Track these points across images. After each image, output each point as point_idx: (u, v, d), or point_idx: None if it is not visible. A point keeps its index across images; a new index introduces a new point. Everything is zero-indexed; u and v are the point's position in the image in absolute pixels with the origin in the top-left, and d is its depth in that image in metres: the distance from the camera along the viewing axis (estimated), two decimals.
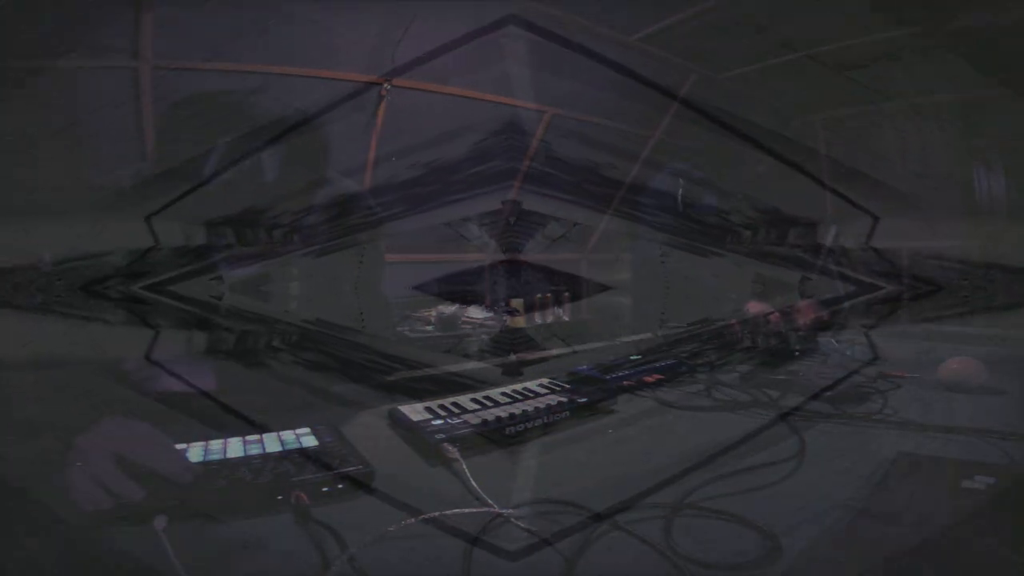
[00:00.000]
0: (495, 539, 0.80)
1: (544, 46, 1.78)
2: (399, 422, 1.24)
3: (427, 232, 2.07)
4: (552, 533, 0.81)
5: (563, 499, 0.89)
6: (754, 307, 1.95)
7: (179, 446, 1.01)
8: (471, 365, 1.82)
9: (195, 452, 1.00)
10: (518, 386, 1.46)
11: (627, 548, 0.77)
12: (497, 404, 1.31)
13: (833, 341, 1.78)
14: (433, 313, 2.14)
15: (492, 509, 0.86)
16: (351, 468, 0.94)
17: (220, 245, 1.42)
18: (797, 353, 1.75)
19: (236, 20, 1.44)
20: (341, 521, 0.82)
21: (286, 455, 1.00)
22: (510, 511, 0.85)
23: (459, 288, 2.22)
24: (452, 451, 1.03)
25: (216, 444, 1.04)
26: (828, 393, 1.40)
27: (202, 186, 1.37)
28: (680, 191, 2.18)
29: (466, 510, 0.85)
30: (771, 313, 1.91)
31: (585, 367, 1.64)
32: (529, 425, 1.20)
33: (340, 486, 0.92)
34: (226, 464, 0.96)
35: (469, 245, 2.22)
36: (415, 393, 1.44)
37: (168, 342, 1.30)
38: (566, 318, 2.30)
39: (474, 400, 1.35)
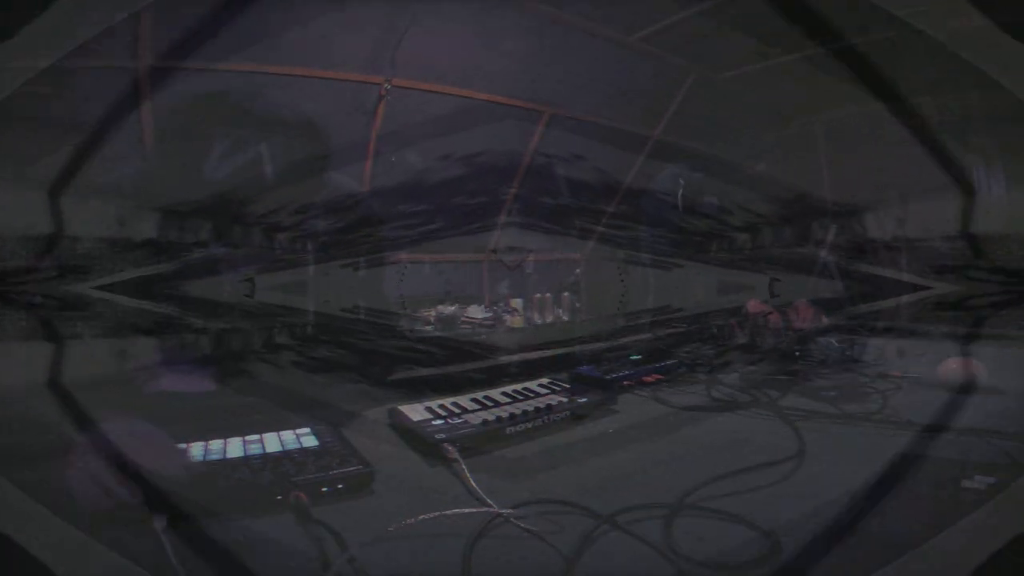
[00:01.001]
0: (495, 539, 0.80)
1: (544, 44, 1.78)
2: (399, 422, 1.24)
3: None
4: (552, 533, 0.81)
5: (563, 499, 0.90)
6: (754, 307, 1.95)
7: (179, 446, 1.02)
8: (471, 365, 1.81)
9: (195, 452, 1.00)
10: (518, 386, 1.46)
11: (627, 548, 0.77)
12: (497, 404, 1.31)
13: (833, 341, 1.78)
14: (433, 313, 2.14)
15: (492, 509, 0.86)
16: (351, 468, 0.94)
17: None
18: (797, 353, 1.75)
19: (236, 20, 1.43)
20: (341, 521, 0.82)
21: (286, 455, 1.00)
22: (510, 511, 0.85)
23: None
24: (452, 451, 1.03)
25: (216, 444, 1.04)
26: (828, 393, 1.40)
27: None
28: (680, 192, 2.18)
29: (466, 510, 0.85)
30: (770, 313, 1.91)
31: (585, 367, 1.63)
32: (529, 425, 1.20)
33: (340, 486, 0.92)
34: (226, 464, 0.96)
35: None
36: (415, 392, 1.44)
37: None
38: (566, 318, 2.30)
39: (474, 400, 1.35)
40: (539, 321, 2.21)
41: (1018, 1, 0.89)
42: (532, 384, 1.49)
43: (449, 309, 2.16)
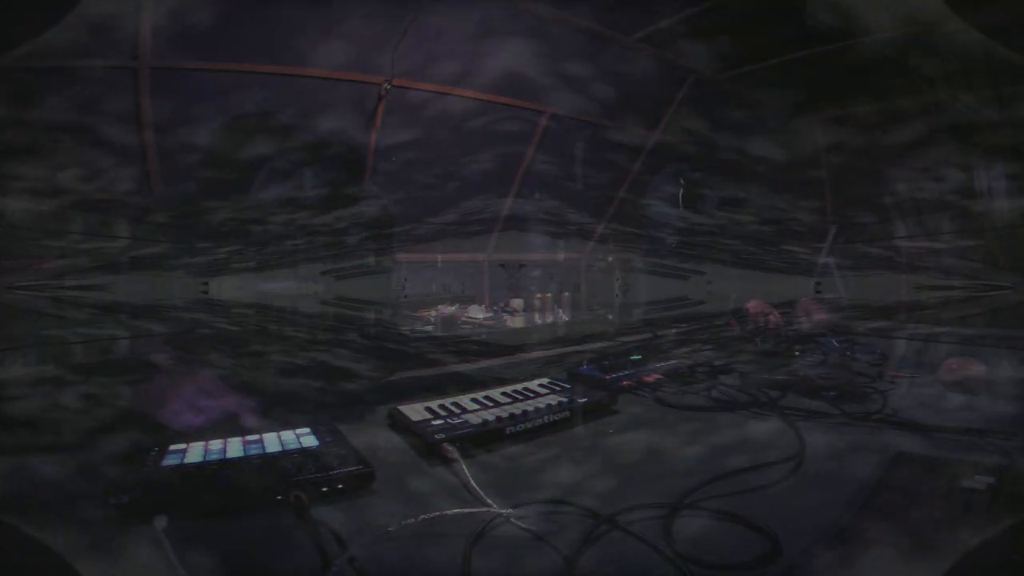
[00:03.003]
0: (495, 539, 0.80)
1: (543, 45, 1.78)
2: (399, 422, 1.24)
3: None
4: (552, 533, 0.81)
5: (563, 499, 0.90)
6: (754, 307, 1.95)
7: (179, 446, 1.02)
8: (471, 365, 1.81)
9: (195, 452, 1.00)
10: (518, 386, 1.46)
11: (627, 548, 0.77)
12: (497, 404, 1.31)
13: (833, 341, 1.78)
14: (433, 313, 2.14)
15: (492, 509, 0.86)
16: (351, 468, 0.94)
17: None
18: (797, 353, 1.75)
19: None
20: (341, 521, 0.82)
21: (286, 455, 1.00)
22: (510, 511, 0.85)
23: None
24: (452, 451, 1.03)
25: (216, 444, 1.04)
26: (828, 393, 1.40)
27: None
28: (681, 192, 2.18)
29: (466, 510, 0.85)
30: (770, 313, 1.91)
31: (585, 367, 1.63)
32: (529, 425, 1.20)
33: (340, 486, 0.92)
34: (226, 464, 0.96)
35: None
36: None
37: None
38: (567, 318, 2.30)
39: (474, 400, 1.35)
40: (539, 321, 2.21)
41: None
42: (532, 384, 1.49)
43: (449, 309, 2.16)
